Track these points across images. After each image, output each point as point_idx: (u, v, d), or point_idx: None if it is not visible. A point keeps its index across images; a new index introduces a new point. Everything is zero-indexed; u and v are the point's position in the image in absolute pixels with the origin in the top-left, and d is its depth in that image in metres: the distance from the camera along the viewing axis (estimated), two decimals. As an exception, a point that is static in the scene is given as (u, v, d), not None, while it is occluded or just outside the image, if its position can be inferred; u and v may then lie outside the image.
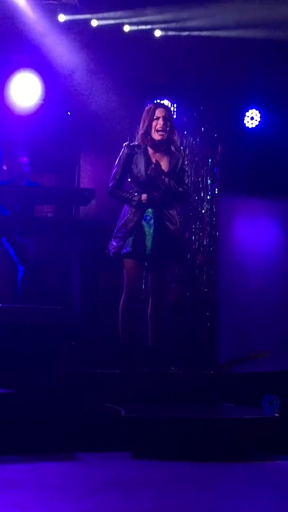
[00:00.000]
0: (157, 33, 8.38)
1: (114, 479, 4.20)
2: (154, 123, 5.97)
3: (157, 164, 5.96)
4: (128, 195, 5.98)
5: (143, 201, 5.92)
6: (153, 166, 5.94)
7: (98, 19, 8.21)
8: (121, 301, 6.01)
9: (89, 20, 8.21)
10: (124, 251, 5.92)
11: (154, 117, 5.97)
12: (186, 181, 6.14)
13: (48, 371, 5.38)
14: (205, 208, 8.58)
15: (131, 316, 6.01)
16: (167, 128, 5.97)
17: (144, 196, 5.93)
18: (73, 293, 7.59)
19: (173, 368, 6.21)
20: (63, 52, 8.19)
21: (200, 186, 8.60)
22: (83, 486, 4.02)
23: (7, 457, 4.62)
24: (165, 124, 5.96)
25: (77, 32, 8.22)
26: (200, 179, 8.61)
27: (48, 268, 7.26)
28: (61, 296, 7.27)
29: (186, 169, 6.17)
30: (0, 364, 5.34)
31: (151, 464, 4.65)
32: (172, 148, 6.05)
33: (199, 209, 8.58)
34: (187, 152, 6.16)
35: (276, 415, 5.27)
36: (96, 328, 7.07)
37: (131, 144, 6.05)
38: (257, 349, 6.38)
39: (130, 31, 8.33)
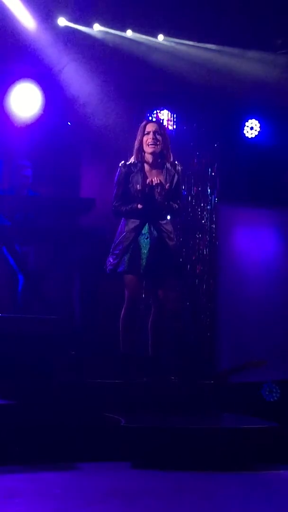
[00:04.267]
0: (160, 37, 8.42)
1: (114, 489, 4.20)
2: (145, 138, 6.05)
3: (152, 182, 5.99)
4: (128, 207, 5.99)
5: (139, 208, 5.95)
6: (148, 184, 5.97)
7: (99, 25, 8.26)
8: (122, 311, 6.02)
9: (89, 28, 8.26)
10: (120, 269, 5.95)
11: (145, 132, 6.05)
12: (180, 197, 6.20)
13: (48, 381, 5.38)
14: (205, 217, 8.60)
15: (132, 326, 6.02)
16: (158, 142, 6.03)
17: (139, 206, 5.96)
18: (74, 302, 7.60)
19: (173, 378, 6.21)
20: (63, 62, 8.22)
21: (200, 195, 8.61)
22: (83, 496, 4.02)
23: (7, 467, 4.63)
24: (155, 138, 6.03)
25: (76, 40, 8.25)
26: (200, 188, 8.62)
27: (48, 278, 7.27)
28: (61, 305, 7.29)
29: (180, 185, 6.22)
30: (0, 374, 5.35)
31: (151, 474, 4.65)
32: (168, 165, 6.10)
33: (199, 218, 8.59)
34: (181, 168, 6.17)
35: (276, 424, 5.27)
36: (96, 338, 7.07)
37: (127, 163, 6.09)
38: (256, 358, 6.38)
39: (130, 39, 8.37)
